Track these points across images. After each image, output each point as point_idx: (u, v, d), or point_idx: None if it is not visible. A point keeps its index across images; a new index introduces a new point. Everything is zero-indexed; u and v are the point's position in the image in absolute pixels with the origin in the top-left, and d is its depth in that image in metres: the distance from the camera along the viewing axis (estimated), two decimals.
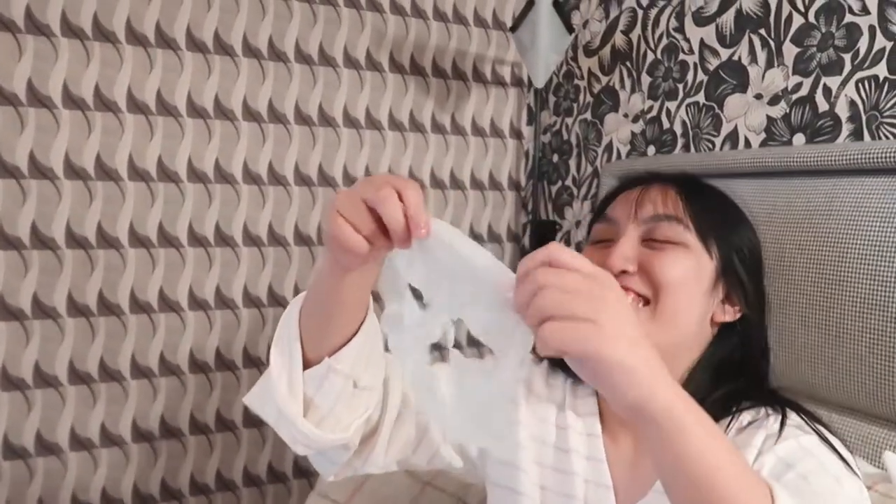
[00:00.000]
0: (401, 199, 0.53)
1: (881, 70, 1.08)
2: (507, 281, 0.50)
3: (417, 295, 0.57)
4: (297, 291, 1.61)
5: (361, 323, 0.68)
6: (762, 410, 0.69)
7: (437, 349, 0.56)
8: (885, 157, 0.97)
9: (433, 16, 1.74)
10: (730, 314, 0.74)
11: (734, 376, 0.72)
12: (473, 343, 0.64)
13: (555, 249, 0.48)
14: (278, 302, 1.61)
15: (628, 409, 0.47)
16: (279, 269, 1.61)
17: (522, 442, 0.77)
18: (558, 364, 0.82)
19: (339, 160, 1.66)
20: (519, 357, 0.51)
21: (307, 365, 0.68)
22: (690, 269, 0.71)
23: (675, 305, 0.69)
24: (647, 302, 0.70)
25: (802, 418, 0.69)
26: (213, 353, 1.55)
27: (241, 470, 1.60)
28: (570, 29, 1.55)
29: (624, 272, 0.70)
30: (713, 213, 0.75)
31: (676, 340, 0.71)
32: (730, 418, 0.69)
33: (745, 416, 0.69)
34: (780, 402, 0.70)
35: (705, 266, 0.72)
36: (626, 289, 0.69)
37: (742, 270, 0.75)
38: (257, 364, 1.59)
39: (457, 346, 0.56)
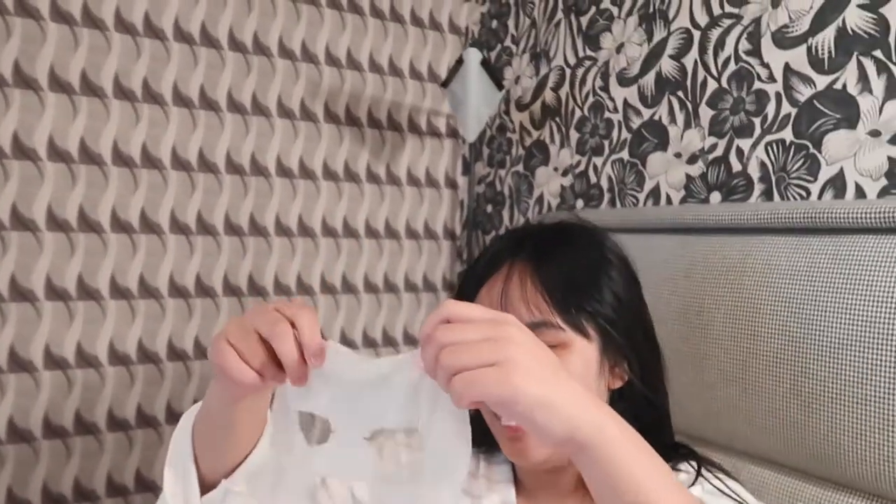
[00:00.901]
0: (293, 326, 0.52)
1: (787, 134, 1.14)
2: (416, 357, 0.50)
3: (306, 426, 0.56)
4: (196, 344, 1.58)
5: (258, 439, 0.65)
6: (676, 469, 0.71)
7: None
8: (792, 218, 1.02)
9: (368, 68, 1.76)
10: (619, 378, 0.72)
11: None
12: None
13: (449, 305, 0.48)
14: (204, 355, 1.56)
15: (559, 444, 0.47)
16: (206, 321, 1.56)
17: None
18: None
19: (271, 209, 1.64)
20: (456, 424, 0.50)
21: (204, 484, 0.64)
22: (577, 369, 0.67)
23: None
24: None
25: (717, 477, 0.71)
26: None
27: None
28: (499, 86, 1.59)
29: None
30: (575, 290, 0.69)
31: None
32: None
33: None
34: (691, 458, 0.72)
35: (589, 352, 0.69)
36: None
37: (621, 332, 0.71)
38: None
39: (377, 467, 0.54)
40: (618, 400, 0.72)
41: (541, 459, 0.67)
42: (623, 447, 0.47)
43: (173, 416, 1.53)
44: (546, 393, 0.45)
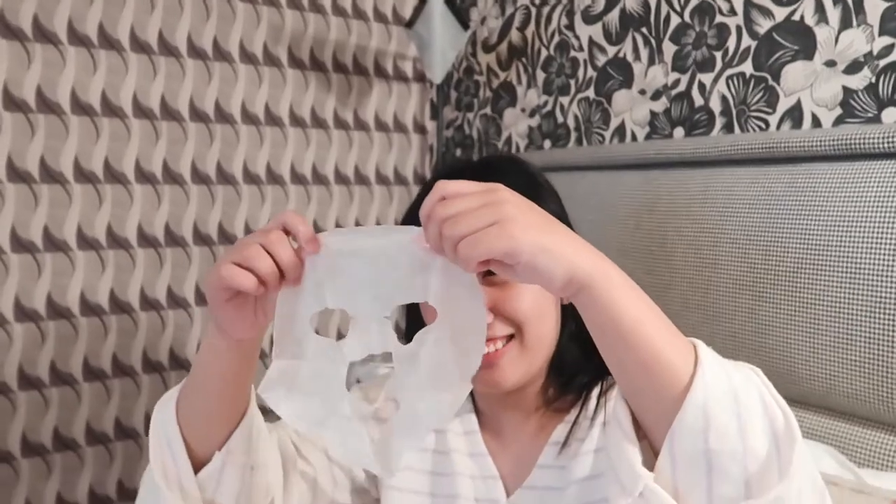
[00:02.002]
0: (286, 231, 0.55)
1: (748, 67, 1.16)
2: (417, 237, 0.53)
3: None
4: (197, 292, 1.58)
5: (247, 407, 0.66)
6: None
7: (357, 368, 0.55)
8: (752, 148, 1.05)
9: (332, 11, 1.73)
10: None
11: (591, 361, 0.70)
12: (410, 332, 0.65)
13: (441, 184, 0.51)
14: (177, 303, 1.57)
15: (562, 288, 0.50)
16: (178, 270, 1.56)
17: None
18: None
19: (238, 157, 1.62)
20: (469, 292, 0.53)
21: (195, 465, 0.64)
22: (536, 291, 0.69)
23: (537, 332, 0.69)
24: (510, 338, 0.70)
25: None
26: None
27: None
28: (465, 25, 1.58)
29: None
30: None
31: (545, 357, 0.72)
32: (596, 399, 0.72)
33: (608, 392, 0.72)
34: None
35: (549, 299, 0.70)
36: (490, 340, 0.67)
37: None
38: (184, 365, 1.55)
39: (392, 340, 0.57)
40: (570, 317, 0.73)
41: (513, 382, 0.69)
42: (621, 288, 0.50)
43: (150, 366, 1.54)
44: (545, 240, 0.48)
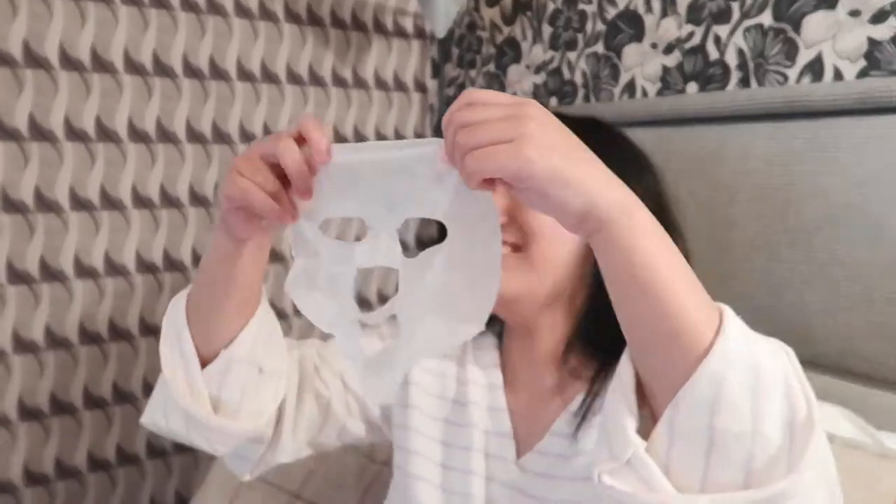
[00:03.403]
0: (299, 142, 0.52)
1: (766, 18, 1.11)
2: (439, 147, 0.49)
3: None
4: (194, 255, 1.55)
5: (255, 309, 0.66)
6: None
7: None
8: (770, 103, 1.01)
9: None
10: None
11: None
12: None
13: (471, 91, 0.47)
14: (174, 266, 1.53)
15: (576, 224, 0.45)
16: (174, 231, 1.53)
17: (413, 401, 0.77)
18: None
19: (234, 116, 1.57)
20: (482, 207, 0.50)
21: (203, 363, 0.65)
22: (569, 240, 0.67)
23: (546, 250, 0.66)
24: (517, 249, 0.67)
25: None
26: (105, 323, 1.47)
27: (143, 443, 1.54)
28: None
29: None
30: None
31: (553, 284, 0.69)
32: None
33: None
34: None
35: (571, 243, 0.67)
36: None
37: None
38: (154, 332, 1.52)
39: (405, 248, 0.55)
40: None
41: (507, 293, 0.64)
42: (645, 233, 0.45)
43: (147, 329, 1.51)
44: (562, 166, 0.43)
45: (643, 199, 0.64)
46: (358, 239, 0.57)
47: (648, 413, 0.48)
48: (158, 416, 0.69)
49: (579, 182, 0.44)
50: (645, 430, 0.47)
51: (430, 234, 0.65)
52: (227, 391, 0.66)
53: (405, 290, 0.54)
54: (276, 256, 1.60)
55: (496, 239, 0.50)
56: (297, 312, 1.68)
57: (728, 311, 0.47)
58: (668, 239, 0.47)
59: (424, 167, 0.50)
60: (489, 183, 0.46)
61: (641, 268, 0.44)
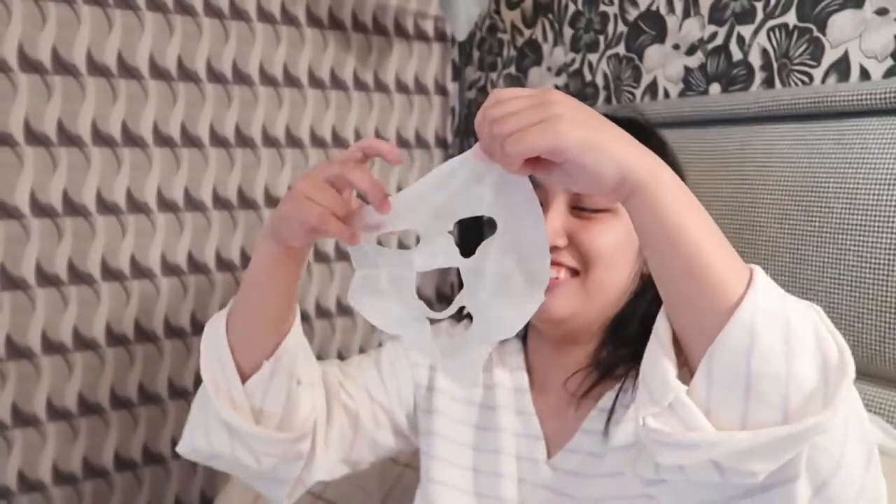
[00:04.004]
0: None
1: (791, 18, 1.10)
2: (474, 148, 0.54)
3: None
4: (218, 257, 1.56)
5: (293, 321, 0.69)
6: None
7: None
8: (794, 104, 1.00)
9: None
10: None
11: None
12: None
13: (496, 91, 0.51)
14: (199, 269, 1.55)
15: (613, 189, 0.48)
16: (198, 235, 1.55)
17: (438, 407, 0.77)
18: None
19: (256, 120, 1.59)
20: (522, 193, 0.54)
21: (242, 378, 0.67)
22: (620, 236, 0.68)
23: (603, 277, 0.68)
24: (575, 273, 0.69)
25: None
26: (132, 324, 1.49)
27: (168, 443, 1.56)
28: None
29: (554, 247, 0.68)
30: None
31: (603, 307, 0.71)
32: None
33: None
34: None
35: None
36: (556, 264, 0.67)
37: None
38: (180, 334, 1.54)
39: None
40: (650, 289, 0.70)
41: (559, 315, 0.68)
42: (676, 192, 0.48)
43: (172, 331, 1.53)
44: (593, 136, 0.47)
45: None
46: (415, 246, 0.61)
47: (686, 372, 0.50)
48: (199, 439, 0.70)
49: (611, 150, 0.47)
50: (682, 379, 0.48)
51: (478, 233, 0.69)
52: (269, 402, 0.68)
53: (468, 284, 0.59)
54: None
55: (539, 219, 0.55)
56: (318, 315, 1.70)
57: (758, 269, 0.49)
58: (693, 197, 0.50)
59: (465, 171, 0.55)
60: (529, 166, 0.49)
61: (673, 225, 0.47)
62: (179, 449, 0.72)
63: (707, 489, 0.47)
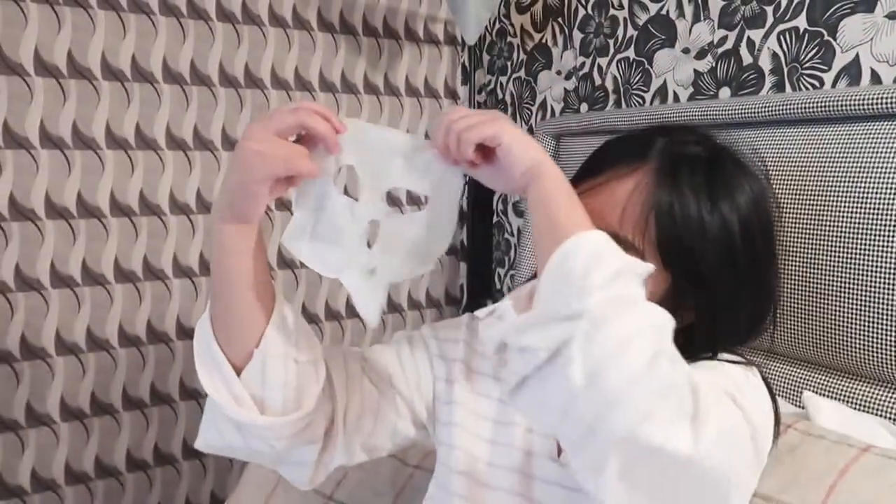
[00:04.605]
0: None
1: (801, 22, 1.10)
2: (426, 142, 0.67)
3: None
4: None
5: (272, 303, 0.70)
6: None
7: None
8: (805, 108, 1.00)
9: None
10: (684, 318, 0.67)
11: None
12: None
13: (454, 106, 0.65)
14: (210, 270, 1.56)
15: (522, 174, 0.61)
16: (210, 236, 1.55)
17: (457, 398, 0.78)
18: None
19: None
20: (455, 188, 0.68)
21: (238, 370, 0.68)
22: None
23: None
24: None
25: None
26: (143, 326, 1.51)
27: (180, 443, 1.57)
28: None
29: None
30: (679, 230, 0.66)
31: None
32: None
33: None
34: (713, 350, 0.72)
35: (657, 285, 0.66)
36: None
37: (707, 283, 0.68)
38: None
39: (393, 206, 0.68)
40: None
41: None
42: (559, 184, 0.61)
43: (184, 332, 1.54)
44: (521, 138, 0.63)
45: (725, 260, 0.68)
46: (353, 193, 0.68)
47: None
48: (212, 436, 0.71)
49: (530, 149, 0.62)
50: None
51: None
52: (268, 389, 0.68)
53: (386, 236, 0.68)
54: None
55: (456, 209, 0.69)
56: (328, 317, 1.70)
57: (600, 234, 0.57)
58: (570, 189, 0.61)
59: (416, 154, 0.67)
60: (477, 154, 0.64)
61: (549, 201, 0.60)
62: (196, 445, 0.73)
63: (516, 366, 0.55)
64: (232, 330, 0.68)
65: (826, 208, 0.94)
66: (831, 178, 0.94)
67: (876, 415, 0.89)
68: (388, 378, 0.80)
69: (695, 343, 0.69)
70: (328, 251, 0.67)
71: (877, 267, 0.88)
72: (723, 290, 0.68)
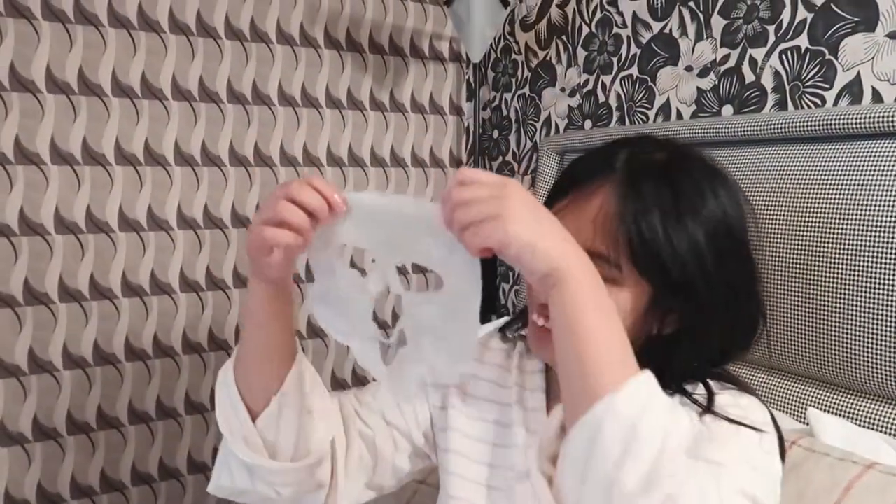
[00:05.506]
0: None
1: (803, 41, 1.11)
2: (435, 211, 0.60)
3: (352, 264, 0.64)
4: (235, 274, 1.59)
5: (294, 355, 0.73)
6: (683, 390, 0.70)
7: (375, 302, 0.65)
8: (806, 126, 1.01)
9: None
10: (672, 325, 0.69)
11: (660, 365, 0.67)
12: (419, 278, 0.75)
13: (461, 171, 0.57)
14: (216, 285, 1.58)
15: (540, 281, 0.56)
16: (216, 251, 1.57)
17: (453, 424, 0.79)
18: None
19: (275, 139, 1.62)
20: (470, 269, 0.60)
21: (254, 416, 0.71)
22: (624, 306, 0.66)
23: None
24: None
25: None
26: (150, 340, 1.51)
27: (185, 457, 1.57)
28: (505, 3, 1.54)
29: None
30: (649, 237, 0.64)
31: None
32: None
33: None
34: (705, 379, 0.70)
35: (638, 295, 0.66)
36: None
37: (687, 289, 0.66)
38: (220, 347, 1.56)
39: (404, 285, 0.65)
40: (665, 343, 0.69)
41: (549, 359, 0.70)
42: (586, 294, 0.55)
43: (190, 346, 1.55)
44: (532, 237, 0.55)
45: (701, 264, 0.66)
46: (365, 270, 0.65)
47: None
48: (223, 478, 0.74)
49: (544, 251, 0.55)
50: None
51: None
52: (282, 436, 0.71)
53: (408, 314, 0.64)
54: None
55: (477, 297, 0.59)
56: (310, 335, 1.71)
57: (642, 376, 0.53)
58: (605, 299, 0.56)
59: (422, 224, 0.60)
60: (485, 250, 0.57)
61: (576, 319, 0.55)
62: (209, 489, 0.76)
63: None
64: (252, 377, 0.71)
65: (828, 225, 0.94)
66: (833, 196, 0.94)
67: (880, 431, 0.89)
68: (382, 416, 0.81)
69: (685, 353, 0.70)
70: (337, 318, 0.67)
71: (879, 284, 0.89)
72: (704, 297, 0.66)
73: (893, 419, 0.89)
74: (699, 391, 0.68)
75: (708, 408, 0.65)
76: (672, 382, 0.69)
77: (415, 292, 0.65)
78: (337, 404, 0.80)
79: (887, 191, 0.89)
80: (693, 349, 0.70)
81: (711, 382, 0.70)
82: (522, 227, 0.54)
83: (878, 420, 0.91)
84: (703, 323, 0.68)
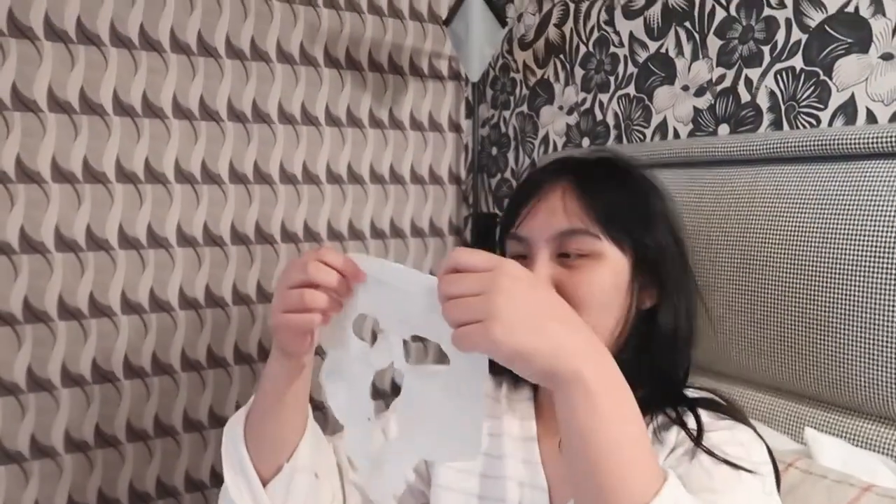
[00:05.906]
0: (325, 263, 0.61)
1: (797, 62, 1.12)
2: (435, 287, 0.55)
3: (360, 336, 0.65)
4: (234, 291, 1.59)
5: (307, 421, 0.73)
6: (675, 412, 0.70)
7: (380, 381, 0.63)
8: (801, 146, 1.01)
9: (368, 9, 1.72)
10: (651, 298, 0.75)
11: (649, 378, 0.71)
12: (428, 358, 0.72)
13: (455, 255, 0.53)
14: (216, 303, 1.58)
15: (540, 382, 0.52)
16: (216, 269, 1.58)
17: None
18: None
19: (275, 157, 1.63)
20: (478, 371, 0.54)
21: (263, 480, 0.71)
22: (606, 280, 0.70)
23: (592, 321, 0.68)
24: None
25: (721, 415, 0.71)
26: (149, 357, 1.52)
27: (182, 475, 1.57)
28: (503, 22, 1.56)
29: None
30: (616, 205, 0.72)
31: None
32: (648, 419, 0.70)
33: (660, 417, 0.70)
34: (692, 405, 0.71)
35: (621, 266, 0.72)
36: None
37: (655, 254, 0.73)
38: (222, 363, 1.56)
39: (410, 361, 0.62)
40: (644, 321, 0.74)
41: None
42: (593, 400, 0.49)
43: (189, 364, 1.55)
44: (523, 345, 0.49)
45: (661, 231, 0.75)
46: (375, 336, 0.63)
47: None
48: None
49: (539, 354, 0.49)
50: None
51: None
52: (291, 500, 0.71)
53: (406, 394, 0.60)
54: None
55: (480, 383, 0.55)
56: None
57: (669, 482, 0.50)
58: (623, 397, 0.51)
59: (425, 299, 0.56)
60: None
61: (593, 430, 0.49)
62: None
63: None
64: (264, 443, 0.71)
65: (824, 245, 0.95)
66: (828, 216, 0.95)
67: (878, 451, 0.89)
68: (382, 429, 0.81)
69: (662, 353, 0.73)
70: (340, 394, 0.66)
71: (877, 303, 0.89)
72: (667, 267, 0.74)
73: (891, 439, 0.89)
74: (691, 423, 0.68)
75: (698, 441, 0.65)
76: (664, 401, 0.70)
77: (418, 369, 0.61)
78: (333, 455, 0.80)
79: (882, 210, 0.90)
80: (666, 331, 0.74)
81: (705, 413, 0.70)
82: (509, 332, 0.48)
83: (877, 440, 0.91)
84: (669, 298, 0.74)
